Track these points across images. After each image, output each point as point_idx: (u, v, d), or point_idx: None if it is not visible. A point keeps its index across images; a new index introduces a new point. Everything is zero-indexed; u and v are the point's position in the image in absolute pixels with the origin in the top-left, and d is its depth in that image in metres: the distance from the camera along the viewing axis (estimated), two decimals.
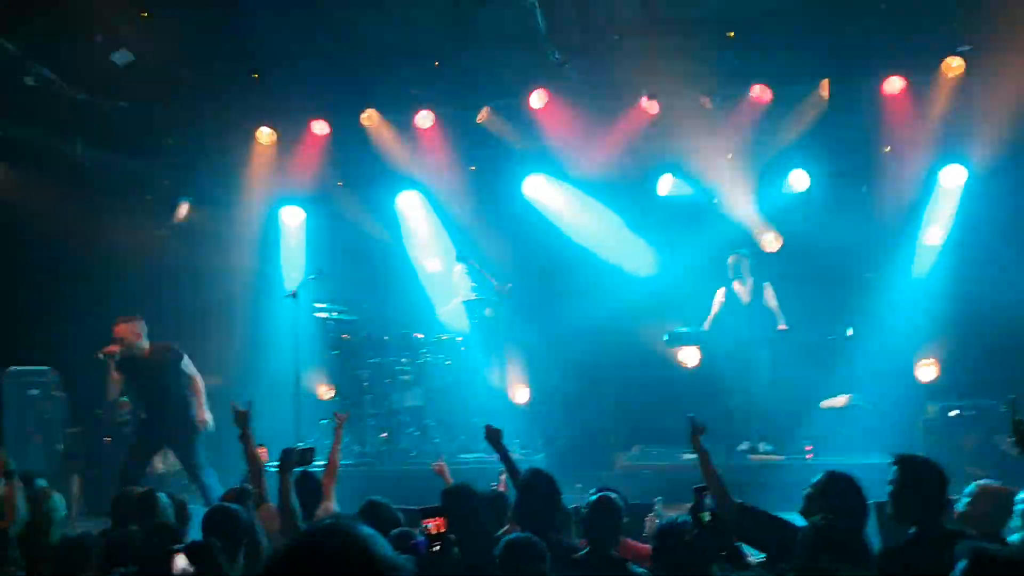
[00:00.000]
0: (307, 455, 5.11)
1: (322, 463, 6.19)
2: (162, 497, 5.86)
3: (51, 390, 9.58)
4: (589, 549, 4.52)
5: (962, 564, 3.13)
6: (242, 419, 5.48)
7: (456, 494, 4.88)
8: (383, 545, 1.76)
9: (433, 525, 3.96)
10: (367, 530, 1.78)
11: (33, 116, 9.37)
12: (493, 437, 5.76)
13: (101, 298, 10.03)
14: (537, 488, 4.76)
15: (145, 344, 8.00)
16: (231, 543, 4.29)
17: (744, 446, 9.28)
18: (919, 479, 4.08)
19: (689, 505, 4.39)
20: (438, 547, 3.80)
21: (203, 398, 8.02)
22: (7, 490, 5.37)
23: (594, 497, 4.68)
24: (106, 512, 6.47)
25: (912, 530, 4.05)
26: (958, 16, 9.13)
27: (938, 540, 3.75)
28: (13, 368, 9.37)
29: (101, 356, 7.84)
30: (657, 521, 5.17)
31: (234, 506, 5.02)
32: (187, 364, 8.08)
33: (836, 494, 4.22)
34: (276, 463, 4.96)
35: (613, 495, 4.70)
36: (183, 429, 7.99)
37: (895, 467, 4.16)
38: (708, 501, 4.10)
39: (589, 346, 10.05)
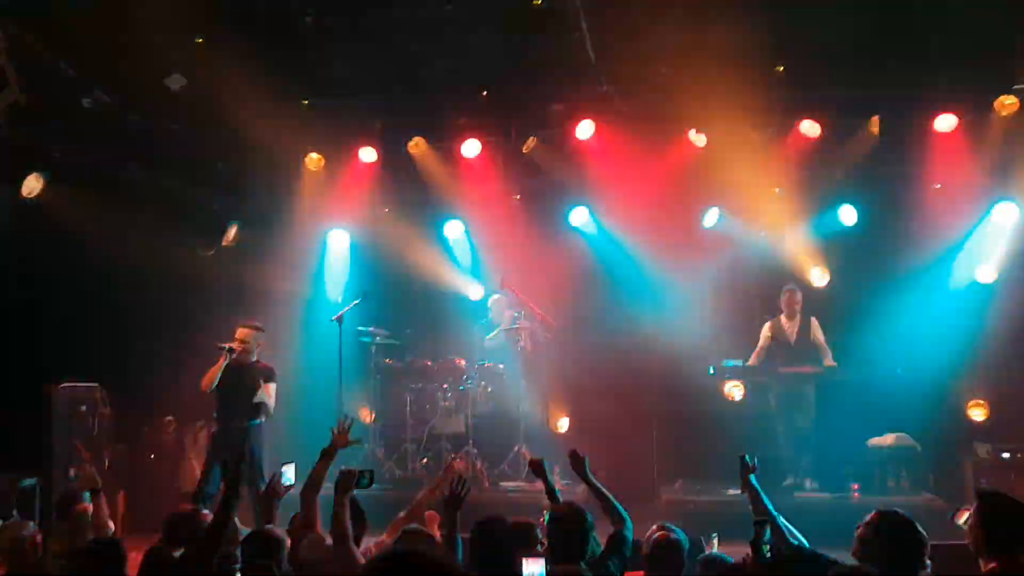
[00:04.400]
0: (366, 477, 5.00)
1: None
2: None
3: (98, 406, 9.68)
4: None
5: None
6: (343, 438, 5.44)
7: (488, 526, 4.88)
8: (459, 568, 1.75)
9: (530, 568, 3.67)
10: (450, 559, 1.78)
11: (88, 138, 9.53)
12: (537, 467, 5.73)
13: (150, 318, 10.18)
14: (565, 521, 4.69)
15: (254, 357, 8.06)
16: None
17: (788, 481, 9.15)
18: (1001, 516, 4.00)
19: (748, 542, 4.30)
20: None
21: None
22: (95, 506, 5.39)
23: (656, 535, 4.63)
24: (152, 528, 6.49)
25: (990, 566, 3.97)
26: (1013, 54, 9.04)
27: None
28: (63, 384, 9.49)
29: (224, 347, 7.88)
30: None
31: (275, 531, 5.00)
32: (270, 393, 8.13)
33: (891, 535, 4.10)
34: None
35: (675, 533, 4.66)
36: (253, 449, 8.02)
37: (978, 502, 4.09)
38: (768, 535, 4.00)
39: (632, 377, 10.00)
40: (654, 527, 4.89)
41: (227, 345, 7.93)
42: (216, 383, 7.95)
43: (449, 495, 4.89)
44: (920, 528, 4.16)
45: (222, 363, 7.90)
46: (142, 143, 9.80)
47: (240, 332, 8.06)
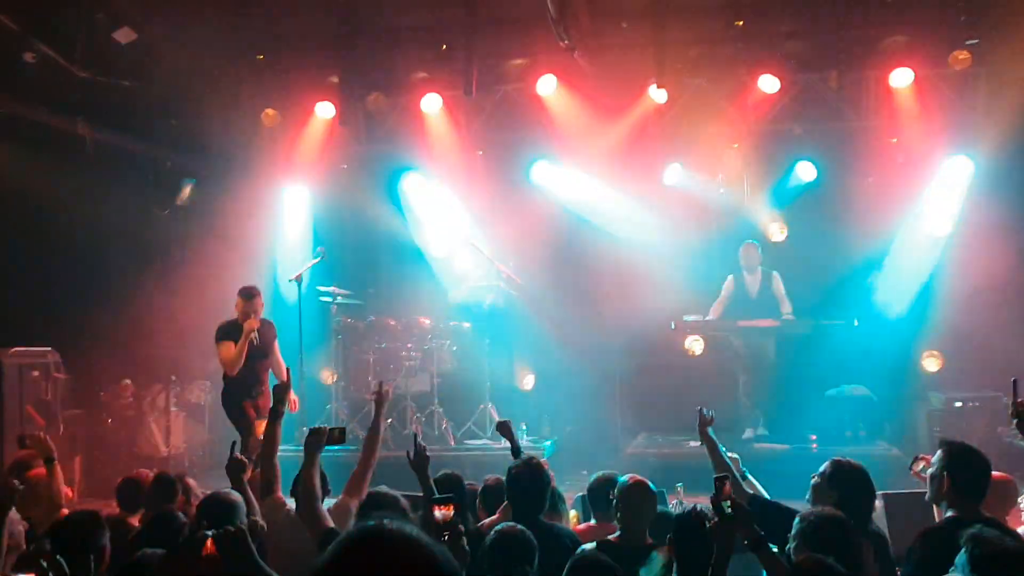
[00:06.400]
0: (337, 435, 4.91)
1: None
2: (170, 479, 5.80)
3: (51, 371, 9.49)
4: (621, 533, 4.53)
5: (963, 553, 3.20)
6: (283, 391, 5.45)
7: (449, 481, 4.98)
8: (440, 548, 1.71)
9: (441, 514, 3.77)
10: (422, 533, 1.71)
11: (34, 94, 9.23)
12: (504, 428, 5.79)
13: (103, 279, 9.97)
14: (521, 475, 4.72)
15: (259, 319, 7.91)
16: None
17: (747, 434, 9.30)
18: (963, 466, 4.07)
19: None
20: (446, 537, 3.63)
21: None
22: (50, 474, 5.27)
23: (625, 480, 4.67)
24: (109, 494, 6.39)
25: (948, 514, 4.07)
26: (966, 9, 9.13)
27: (976, 524, 3.73)
28: (14, 349, 9.28)
29: (255, 336, 7.67)
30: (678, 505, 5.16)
31: (235, 494, 4.90)
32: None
33: (843, 482, 4.23)
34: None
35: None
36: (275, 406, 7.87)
37: (940, 451, 4.16)
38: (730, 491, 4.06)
39: (595, 333, 10.04)
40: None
41: (253, 333, 7.69)
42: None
43: (414, 456, 4.88)
44: (869, 476, 4.27)
45: (244, 345, 7.66)
46: (91, 100, 9.52)
47: (250, 306, 7.79)
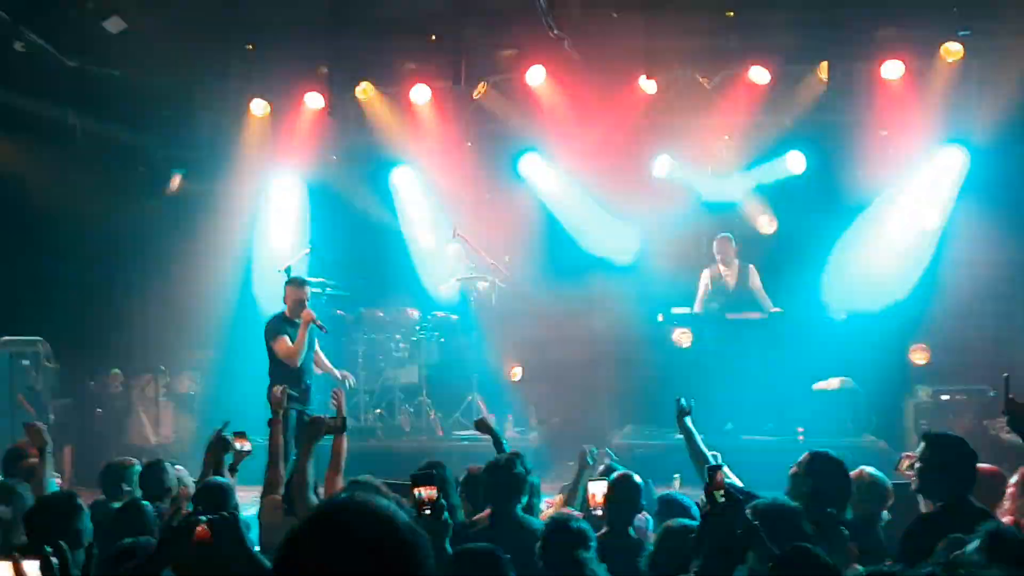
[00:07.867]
0: (340, 424, 4.96)
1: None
2: (168, 468, 5.78)
3: (42, 360, 9.50)
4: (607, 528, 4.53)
5: (975, 542, 3.17)
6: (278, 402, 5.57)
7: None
8: (402, 515, 1.75)
9: (425, 493, 3.88)
10: (385, 501, 1.77)
11: (23, 83, 9.21)
12: (482, 426, 5.77)
13: (92, 269, 9.98)
14: (499, 470, 4.70)
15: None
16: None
17: (729, 427, 9.30)
18: (948, 456, 4.05)
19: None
20: (428, 511, 3.74)
21: None
22: (40, 465, 5.27)
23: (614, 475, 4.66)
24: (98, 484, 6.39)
25: (936, 504, 4.04)
26: (957, 0, 9.11)
27: (965, 517, 3.72)
28: (4, 338, 9.30)
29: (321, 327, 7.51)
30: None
31: (224, 481, 4.91)
32: None
33: (820, 475, 4.20)
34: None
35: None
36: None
37: (923, 444, 4.15)
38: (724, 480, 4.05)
39: (583, 325, 10.04)
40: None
41: (318, 323, 7.56)
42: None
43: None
44: (845, 468, 4.27)
45: (304, 335, 7.43)
46: (80, 89, 9.50)
47: (302, 293, 7.64)
